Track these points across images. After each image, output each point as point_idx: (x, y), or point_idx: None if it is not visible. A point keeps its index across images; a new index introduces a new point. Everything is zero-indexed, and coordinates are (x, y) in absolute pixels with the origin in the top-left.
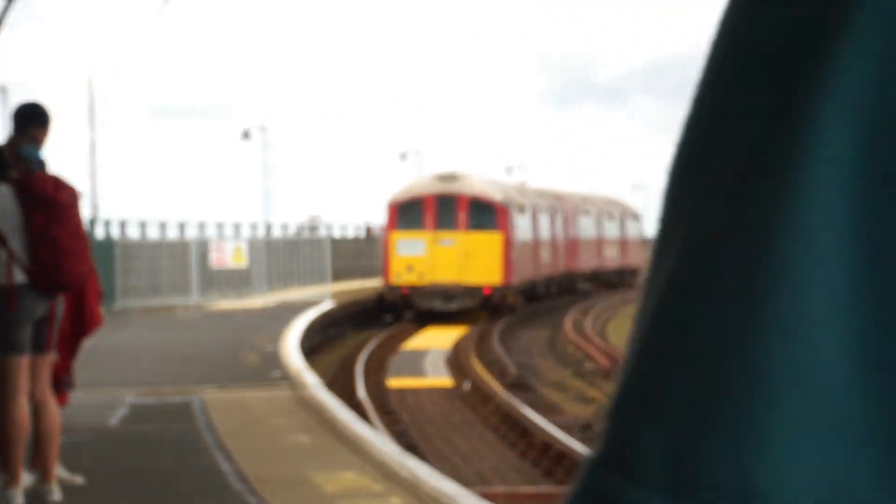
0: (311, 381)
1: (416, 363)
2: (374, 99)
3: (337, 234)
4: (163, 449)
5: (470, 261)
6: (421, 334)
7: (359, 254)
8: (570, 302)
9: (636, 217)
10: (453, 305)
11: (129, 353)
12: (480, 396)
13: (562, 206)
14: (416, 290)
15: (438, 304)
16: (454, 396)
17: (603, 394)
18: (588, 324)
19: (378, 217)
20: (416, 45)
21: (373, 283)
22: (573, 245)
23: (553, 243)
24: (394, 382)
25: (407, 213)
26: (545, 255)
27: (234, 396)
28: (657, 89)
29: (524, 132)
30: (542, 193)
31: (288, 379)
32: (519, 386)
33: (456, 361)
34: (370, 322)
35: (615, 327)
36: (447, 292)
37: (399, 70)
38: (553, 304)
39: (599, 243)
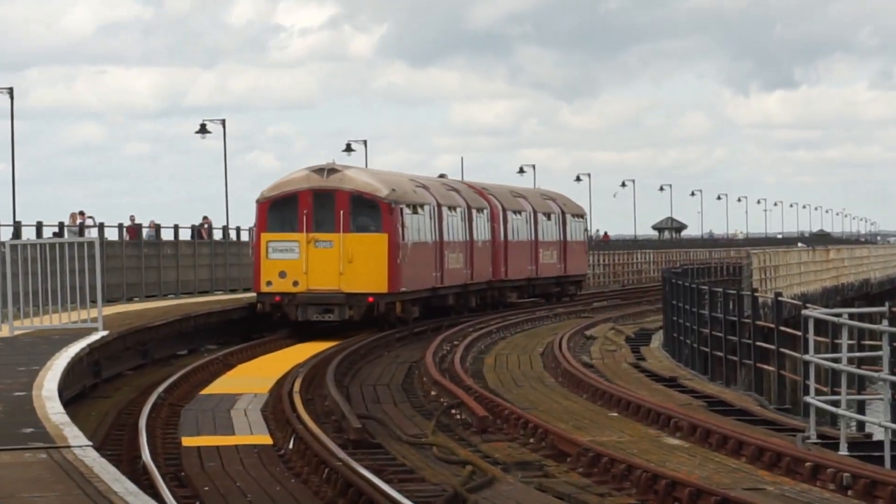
0: (77, 440)
1: (222, 413)
2: (154, 57)
3: (112, 237)
4: None
5: (351, 266)
6: (230, 373)
7: (143, 265)
8: (458, 322)
9: (579, 215)
10: (332, 316)
11: None
12: (309, 458)
13: (490, 204)
14: (290, 299)
15: (315, 315)
16: (274, 458)
17: (477, 452)
18: (460, 357)
19: (166, 214)
20: None
21: (162, 305)
22: (501, 249)
23: (469, 246)
24: (191, 440)
25: (279, 211)
26: (456, 260)
27: None
28: (552, 38)
29: (369, 97)
30: (457, 188)
31: (44, 437)
32: (363, 444)
33: (277, 410)
34: (159, 357)
35: (494, 363)
36: (325, 301)
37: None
38: (435, 325)
39: (534, 246)
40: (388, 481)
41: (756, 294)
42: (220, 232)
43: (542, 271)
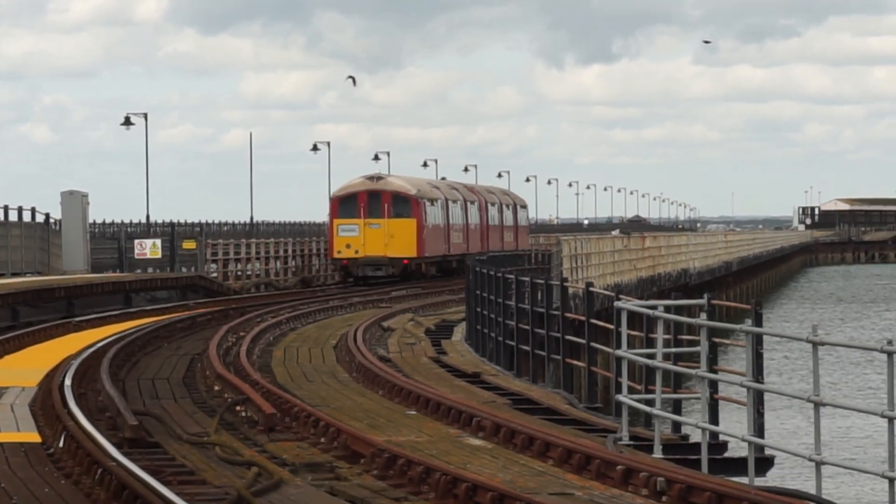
0: None
1: None
2: None
3: None
4: None
5: (392, 239)
6: None
7: None
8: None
9: (524, 206)
10: (381, 272)
11: None
12: (81, 458)
13: (477, 198)
14: (353, 262)
15: (370, 272)
16: (43, 458)
17: (264, 453)
18: (246, 350)
19: None
20: None
21: None
22: (485, 230)
23: (465, 227)
24: None
25: (345, 204)
26: (457, 237)
27: None
28: (354, 5)
29: (154, 65)
30: (456, 187)
31: None
32: (139, 443)
33: (46, 405)
34: None
35: (283, 356)
36: (376, 263)
37: None
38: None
39: (502, 229)
40: (166, 483)
41: (566, 284)
42: None
43: (506, 247)
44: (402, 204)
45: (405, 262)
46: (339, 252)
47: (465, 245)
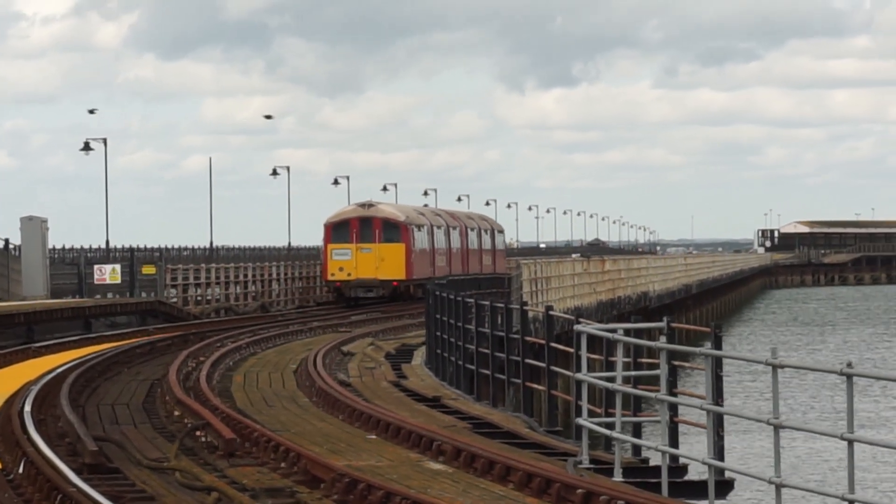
0: None
1: None
2: None
3: None
4: None
5: (383, 263)
6: None
7: None
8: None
9: (501, 231)
10: (372, 294)
11: None
12: (41, 484)
13: (459, 224)
14: (346, 284)
15: (361, 293)
16: (2, 484)
17: (224, 478)
18: (206, 375)
19: None
20: None
21: None
22: (466, 254)
23: (448, 251)
24: None
25: (338, 230)
26: (441, 260)
27: None
28: (315, 30)
29: (114, 91)
30: (440, 213)
31: None
32: (99, 468)
33: (6, 431)
34: None
35: (243, 381)
36: (367, 285)
37: None
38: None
39: (481, 253)
40: None
41: (525, 308)
42: None
43: (484, 270)
44: (392, 229)
45: (395, 283)
46: (332, 275)
47: (448, 268)
